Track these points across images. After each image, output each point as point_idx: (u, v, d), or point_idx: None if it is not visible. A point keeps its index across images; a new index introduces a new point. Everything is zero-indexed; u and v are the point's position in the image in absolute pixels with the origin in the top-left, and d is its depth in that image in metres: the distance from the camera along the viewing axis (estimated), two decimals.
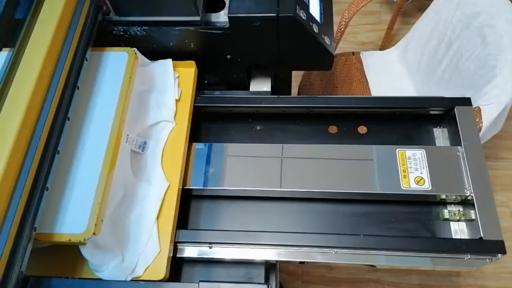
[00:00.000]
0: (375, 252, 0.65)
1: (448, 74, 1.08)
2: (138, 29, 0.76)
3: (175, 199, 0.67)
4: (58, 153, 0.59)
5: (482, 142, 0.77)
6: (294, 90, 1.25)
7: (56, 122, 0.59)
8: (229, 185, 0.71)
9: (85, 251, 0.58)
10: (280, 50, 0.79)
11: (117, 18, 0.75)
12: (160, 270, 0.62)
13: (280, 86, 0.88)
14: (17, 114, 0.53)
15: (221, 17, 0.75)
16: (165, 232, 0.65)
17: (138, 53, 0.73)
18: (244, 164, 0.73)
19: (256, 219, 0.72)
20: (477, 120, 0.85)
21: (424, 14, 1.16)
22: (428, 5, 1.14)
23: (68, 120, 0.62)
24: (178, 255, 0.66)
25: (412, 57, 1.22)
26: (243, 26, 0.74)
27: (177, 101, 0.76)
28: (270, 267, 0.68)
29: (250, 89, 0.86)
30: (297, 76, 1.22)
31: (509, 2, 0.95)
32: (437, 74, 1.12)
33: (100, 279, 0.61)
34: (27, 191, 0.53)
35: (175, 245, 0.66)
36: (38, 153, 0.55)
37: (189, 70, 0.80)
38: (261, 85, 0.86)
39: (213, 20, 0.75)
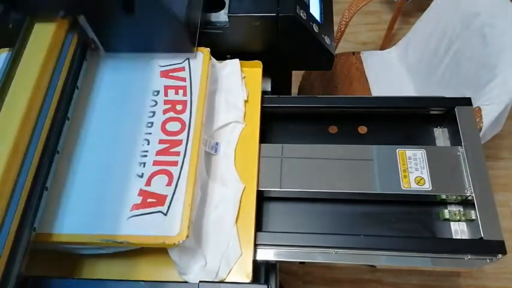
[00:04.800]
0: (375, 253, 0.65)
1: (449, 74, 1.08)
2: None
3: (253, 201, 0.66)
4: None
5: (482, 142, 0.77)
6: (294, 90, 1.25)
7: None
8: None
9: (174, 254, 0.58)
10: (280, 50, 0.79)
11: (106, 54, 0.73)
12: (246, 273, 0.61)
13: (280, 86, 0.88)
14: None
15: (221, 17, 0.75)
16: (245, 234, 0.64)
17: None
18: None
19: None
20: (477, 120, 0.85)
21: (425, 13, 1.16)
22: (428, 5, 1.14)
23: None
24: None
25: (413, 57, 1.22)
26: (243, 26, 0.74)
27: (245, 101, 0.75)
28: (270, 267, 0.68)
29: None
30: (297, 76, 1.22)
31: (510, 2, 0.95)
32: (437, 74, 1.12)
33: (100, 279, 0.61)
34: (26, 190, 0.53)
35: (255, 247, 0.65)
36: None
37: (255, 70, 0.78)
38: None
39: (213, 19, 0.75)
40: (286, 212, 0.72)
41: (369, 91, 1.23)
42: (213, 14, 0.75)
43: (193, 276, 0.60)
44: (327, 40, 0.78)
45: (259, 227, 0.70)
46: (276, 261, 0.66)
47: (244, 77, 0.77)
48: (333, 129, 0.79)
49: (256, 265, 0.65)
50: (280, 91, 0.86)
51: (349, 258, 0.65)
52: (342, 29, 1.19)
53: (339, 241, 0.64)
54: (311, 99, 0.83)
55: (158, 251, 0.62)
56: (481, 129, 0.86)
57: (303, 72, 1.31)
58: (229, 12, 0.72)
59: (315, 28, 0.75)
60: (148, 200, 0.60)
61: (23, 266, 0.53)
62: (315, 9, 0.79)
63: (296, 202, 0.72)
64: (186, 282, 0.60)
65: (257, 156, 0.71)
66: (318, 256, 0.65)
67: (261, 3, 0.72)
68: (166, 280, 0.61)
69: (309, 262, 0.66)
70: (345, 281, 1.33)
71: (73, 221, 0.59)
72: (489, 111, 0.86)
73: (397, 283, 1.31)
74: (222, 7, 0.75)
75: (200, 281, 0.58)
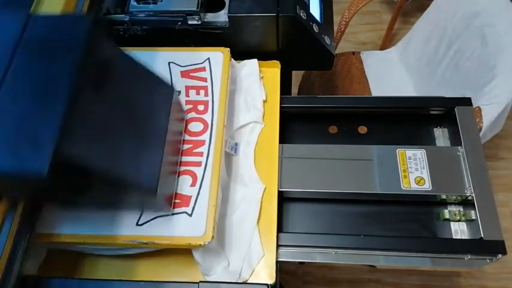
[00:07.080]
0: (375, 253, 0.65)
1: (448, 74, 1.08)
2: (138, 28, 0.76)
3: (275, 202, 0.66)
4: None
5: (482, 142, 0.77)
6: (294, 90, 1.25)
7: None
8: None
9: (197, 254, 0.58)
10: (280, 50, 0.79)
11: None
12: (270, 274, 0.61)
13: (281, 86, 0.88)
14: None
15: (221, 17, 0.75)
16: (268, 235, 0.64)
17: None
18: None
19: None
20: (477, 120, 0.85)
21: (425, 13, 1.16)
22: (428, 5, 1.14)
23: None
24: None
25: (413, 57, 1.22)
26: (243, 26, 0.74)
27: (264, 102, 0.75)
28: None
29: None
30: (297, 76, 1.22)
31: (510, 2, 0.95)
32: (437, 74, 1.12)
33: (100, 279, 0.61)
34: None
35: (277, 248, 0.65)
36: None
37: (273, 70, 0.78)
38: None
39: (213, 19, 0.75)
40: (286, 212, 0.72)
41: (369, 91, 1.23)
42: (213, 13, 0.75)
43: (216, 277, 0.60)
44: (327, 40, 0.78)
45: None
46: (276, 261, 0.66)
47: (262, 77, 0.77)
48: (333, 129, 0.79)
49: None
50: (280, 91, 0.86)
51: (349, 258, 0.65)
52: (342, 29, 1.19)
53: (339, 241, 0.64)
54: (311, 99, 0.83)
55: (158, 251, 0.62)
56: (481, 129, 0.86)
57: (303, 72, 1.31)
58: (229, 12, 0.72)
59: (315, 28, 0.75)
60: (173, 201, 0.60)
61: (23, 266, 0.53)
62: (315, 9, 0.79)
63: (295, 202, 0.72)
64: (186, 282, 0.60)
65: (277, 156, 0.70)
66: (317, 256, 0.65)
67: (261, 3, 0.72)
68: (166, 280, 0.61)
69: (309, 262, 0.66)
70: (345, 281, 1.33)
71: (93, 221, 0.58)
72: (489, 111, 0.86)
73: (396, 283, 1.31)
74: (222, 7, 0.76)
75: (200, 281, 0.58)
